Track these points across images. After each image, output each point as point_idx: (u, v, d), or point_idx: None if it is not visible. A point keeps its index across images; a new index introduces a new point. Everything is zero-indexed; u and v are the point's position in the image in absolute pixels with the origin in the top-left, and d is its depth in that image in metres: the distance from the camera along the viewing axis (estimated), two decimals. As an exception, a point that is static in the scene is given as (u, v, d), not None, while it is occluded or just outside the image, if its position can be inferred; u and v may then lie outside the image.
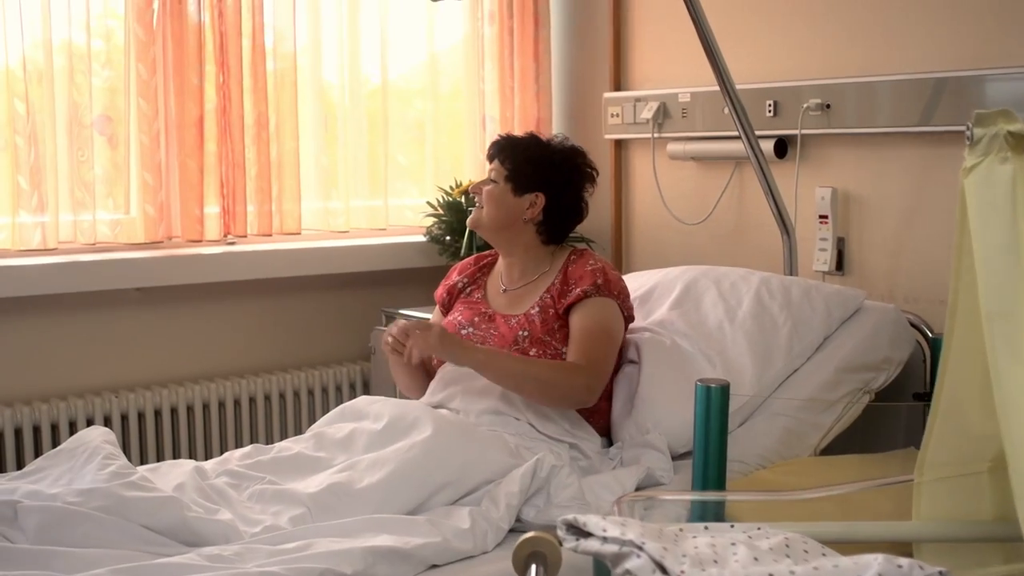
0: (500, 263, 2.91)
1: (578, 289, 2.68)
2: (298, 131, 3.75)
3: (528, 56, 4.18)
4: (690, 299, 2.98)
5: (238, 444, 3.69)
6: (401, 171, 4.11)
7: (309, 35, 3.81)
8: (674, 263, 3.49)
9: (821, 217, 3.44)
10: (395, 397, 3.50)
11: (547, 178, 2.77)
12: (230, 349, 3.77)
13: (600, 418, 2.74)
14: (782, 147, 3.51)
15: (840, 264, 3.42)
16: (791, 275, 3.25)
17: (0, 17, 3.28)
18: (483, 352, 2.59)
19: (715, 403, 2.22)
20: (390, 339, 2.61)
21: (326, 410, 3.81)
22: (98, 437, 2.41)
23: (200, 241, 3.62)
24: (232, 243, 3.72)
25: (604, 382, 2.64)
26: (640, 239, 4.05)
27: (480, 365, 2.56)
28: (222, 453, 3.63)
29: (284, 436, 3.79)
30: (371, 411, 2.60)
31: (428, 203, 3.96)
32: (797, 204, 3.43)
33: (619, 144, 4.10)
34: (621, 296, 2.73)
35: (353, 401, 2.70)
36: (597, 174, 2.86)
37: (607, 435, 2.75)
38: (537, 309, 2.71)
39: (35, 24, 3.34)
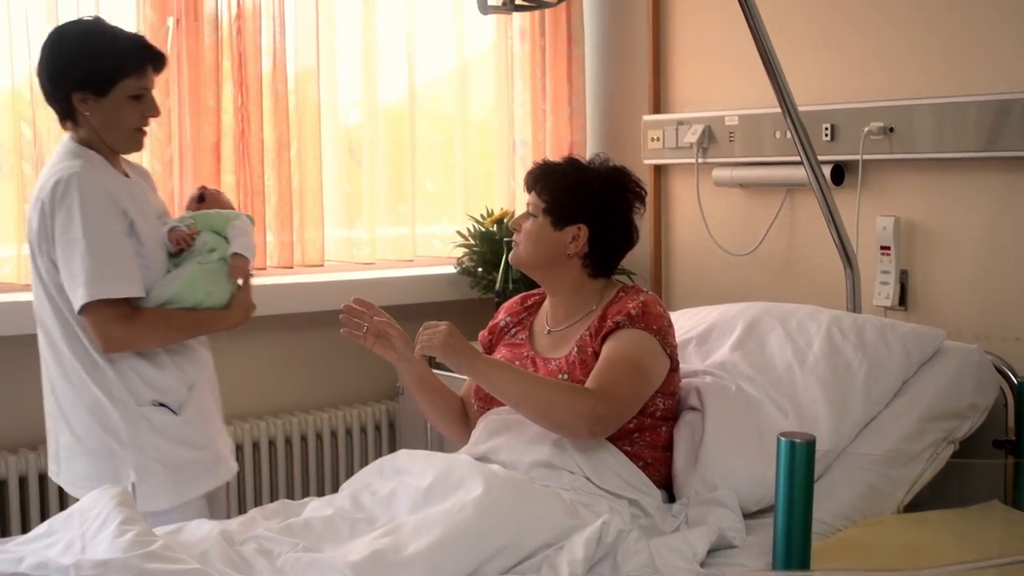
0: (547, 302, 2.67)
1: (610, 320, 2.46)
2: (321, 156, 3.53)
3: (561, 76, 3.96)
4: (753, 339, 2.75)
5: (257, 492, 3.45)
6: (429, 198, 3.88)
7: (331, 55, 3.60)
8: (718, 297, 3.26)
9: (883, 248, 3.22)
10: (429, 440, 3.33)
11: (588, 207, 2.55)
12: (248, 389, 3.54)
13: (658, 470, 2.50)
14: (839, 173, 3.29)
15: (903, 299, 3.19)
16: (854, 311, 3.02)
17: (6, 35, 3.06)
18: (485, 361, 2.39)
19: (800, 460, 2.00)
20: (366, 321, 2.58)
21: (351, 453, 3.59)
22: (113, 498, 2.17)
23: (217, 274, 3.39)
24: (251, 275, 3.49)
25: (619, 416, 2.38)
26: (682, 271, 3.82)
27: (480, 374, 2.38)
28: (240, 502, 3.42)
29: (307, 482, 3.55)
30: (413, 467, 2.36)
31: (458, 232, 3.74)
32: (858, 235, 3.20)
33: (659, 170, 3.88)
34: (660, 332, 2.48)
35: (391, 456, 2.47)
36: (645, 193, 2.63)
37: (666, 488, 2.51)
38: (576, 350, 2.48)
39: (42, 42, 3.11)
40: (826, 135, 3.26)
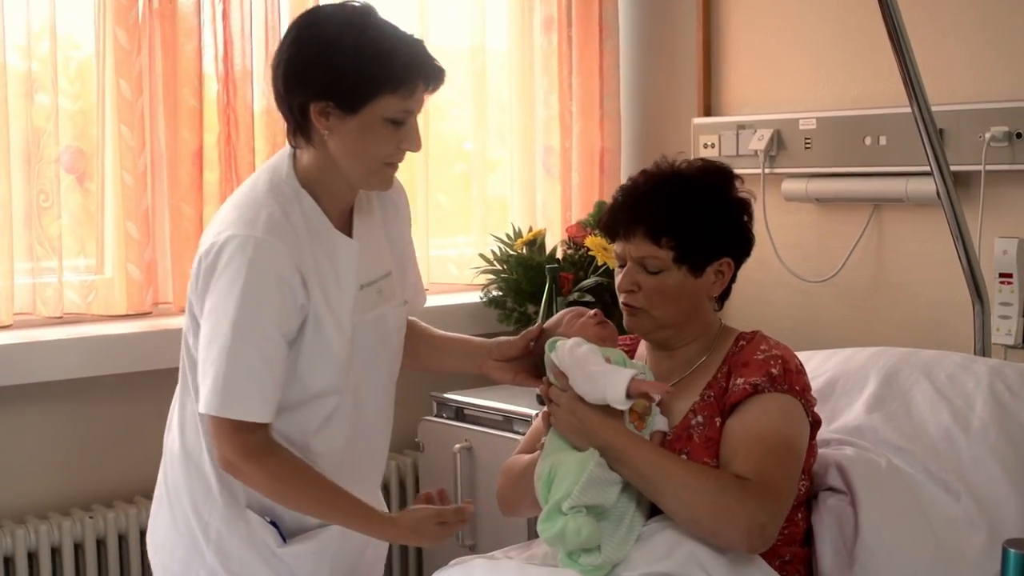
0: (640, 354, 2.11)
1: (743, 381, 1.90)
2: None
3: (591, 73, 3.40)
4: (894, 397, 2.22)
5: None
6: (443, 215, 3.31)
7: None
8: (788, 332, 2.70)
9: (1003, 276, 2.72)
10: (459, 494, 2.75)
11: (730, 234, 1.99)
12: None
13: (798, 569, 1.95)
14: (943, 187, 2.77)
15: (1029, 336, 2.70)
16: (982, 354, 2.51)
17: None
18: (622, 438, 1.85)
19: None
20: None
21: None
22: None
23: (198, 309, 2.79)
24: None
25: (781, 518, 1.85)
26: (741, 300, 3.25)
27: (616, 455, 1.83)
28: None
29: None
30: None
31: (481, 256, 3.16)
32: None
33: (711, 181, 3.34)
34: (804, 393, 1.95)
35: (462, 568, 1.90)
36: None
37: (809, 595, 1.97)
38: (701, 419, 1.92)
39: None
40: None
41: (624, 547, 1.80)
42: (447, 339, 2.19)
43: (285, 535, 1.94)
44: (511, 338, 2.10)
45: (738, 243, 2.00)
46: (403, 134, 1.86)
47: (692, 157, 3.19)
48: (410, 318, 2.16)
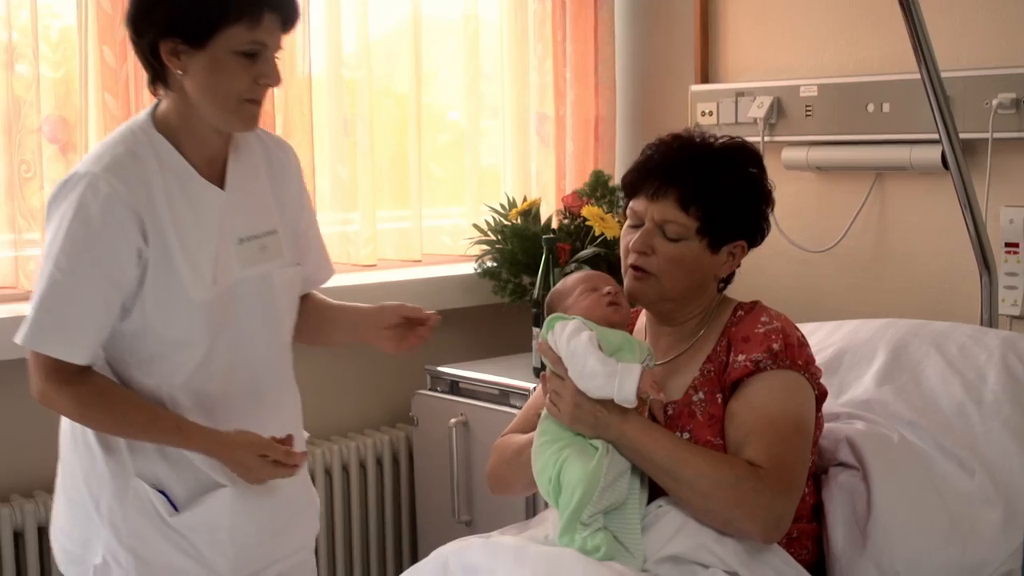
0: (641, 326, 2.05)
1: (744, 358, 1.84)
2: (313, 135, 2.87)
3: (585, 39, 3.33)
4: (903, 369, 2.17)
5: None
6: (436, 185, 3.23)
7: (327, 15, 2.92)
8: (786, 302, 2.62)
9: (1009, 246, 2.67)
10: (455, 475, 2.71)
11: (752, 216, 1.94)
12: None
13: (805, 546, 1.91)
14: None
15: (1034, 306, 2.65)
16: (990, 325, 2.46)
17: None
18: (635, 425, 1.78)
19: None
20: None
21: (364, 488, 2.95)
22: None
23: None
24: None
25: (795, 504, 1.80)
26: (740, 270, 3.21)
27: (627, 443, 1.78)
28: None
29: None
30: (498, 568, 1.73)
31: (475, 226, 3.09)
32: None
33: (709, 150, 3.27)
34: (809, 367, 1.89)
35: (458, 547, 1.84)
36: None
37: (817, 573, 1.91)
38: (702, 395, 1.86)
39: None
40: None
41: (635, 537, 1.74)
42: (338, 309, 2.13)
43: (176, 504, 1.88)
44: (391, 304, 2.05)
45: (756, 229, 1.95)
46: (259, 68, 1.81)
47: (691, 126, 3.18)
48: (313, 292, 2.11)
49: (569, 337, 1.80)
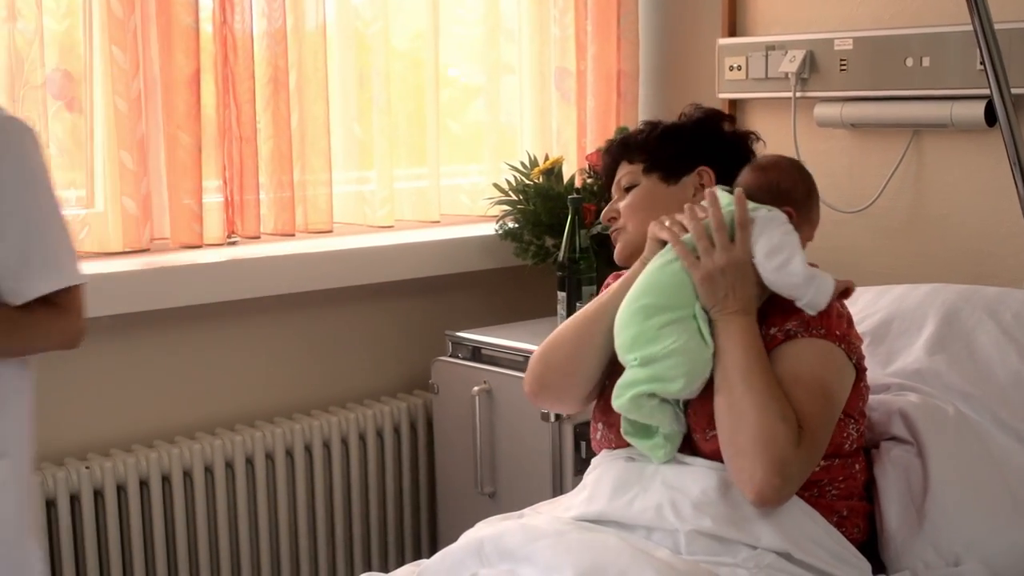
0: None
1: (776, 330, 1.74)
2: (327, 90, 2.75)
3: (607, -10, 3.21)
4: (956, 338, 2.07)
5: (253, 517, 2.71)
6: (454, 142, 3.12)
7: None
8: (820, 264, 2.51)
9: (1052, 207, 2.55)
10: (479, 444, 2.58)
11: (704, 144, 1.97)
12: (241, 390, 2.78)
13: (857, 524, 1.81)
14: (990, 112, 2.61)
15: (1077, 272, 2.55)
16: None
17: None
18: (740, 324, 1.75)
19: None
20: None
21: (381, 458, 2.86)
22: None
23: (197, 246, 2.63)
24: (236, 243, 2.73)
25: (807, 471, 1.69)
26: (769, 230, 3.12)
27: (728, 336, 1.73)
28: (233, 544, 2.69)
29: (313, 511, 2.80)
30: (536, 551, 1.64)
31: (495, 186, 2.98)
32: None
33: (737, 106, 3.15)
34: (845, 338, 1.78)
35: (492, 529, 1.75)
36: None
37: (868, 553, 1.82)
38: None
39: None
40: (980, 63, 2.56)
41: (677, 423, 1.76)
42: None
43: None
44: None
45: (716, 148, 1.95)
46: None
47: (717, 81, 3.07)
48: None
49: (785, 230, 1.78)
